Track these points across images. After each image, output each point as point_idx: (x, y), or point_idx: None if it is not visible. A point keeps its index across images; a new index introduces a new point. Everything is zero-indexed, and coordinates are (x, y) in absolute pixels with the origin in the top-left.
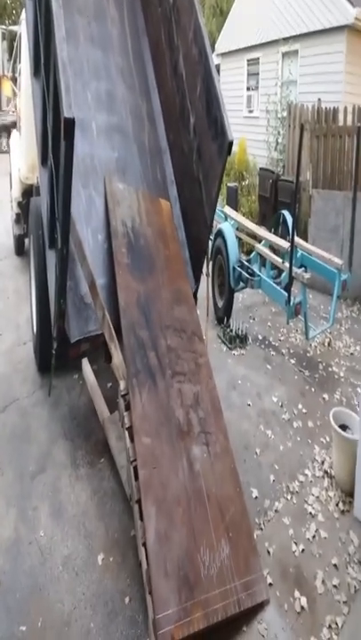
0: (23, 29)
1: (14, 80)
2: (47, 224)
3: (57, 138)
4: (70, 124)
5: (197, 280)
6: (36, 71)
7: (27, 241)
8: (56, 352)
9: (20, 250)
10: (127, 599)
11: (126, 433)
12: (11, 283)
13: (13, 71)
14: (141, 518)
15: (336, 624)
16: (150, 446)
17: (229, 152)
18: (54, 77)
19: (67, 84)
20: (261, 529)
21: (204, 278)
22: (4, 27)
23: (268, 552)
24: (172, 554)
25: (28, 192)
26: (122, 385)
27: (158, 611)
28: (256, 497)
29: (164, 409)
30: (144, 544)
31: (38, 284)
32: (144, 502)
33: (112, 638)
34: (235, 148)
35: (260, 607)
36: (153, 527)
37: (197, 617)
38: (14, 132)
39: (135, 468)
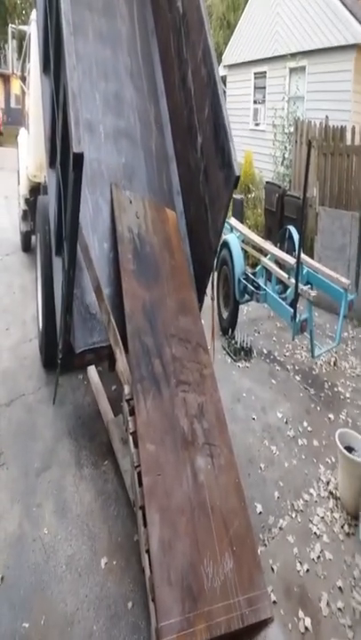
0: (33, 29)
1: (23, 79)
2: (55, 230)
3: (65, 142)
4: (79, 159)
5: (201, 300)
6: (45, 68)
7: (33, 238)
8: (61, 362)
9: (27, 246)
10: (130, 604)
11: (130, 438)
12: (17, 279)
13: (22, 70)
14: (145, 525)
15: None
16: (155, 453)
17: (236, 186)
18: (64, 77)
19: (76, 117)
20: (265, 545)
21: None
22: (13, 26)
23: (273, 569)
24: (175, 563)
25: (36, 190)
26: (126, 389)
27: (161, 619)
28: (260, 512)
29: (168, 417)
30: (147, 551)
31: (44, 281)
32: (148, 509)
33: None
34: (241, 160)
35: (263, 624)
36: (157, 535)
37: (200, 629)
38: (22, 130)
39: (139, 474)
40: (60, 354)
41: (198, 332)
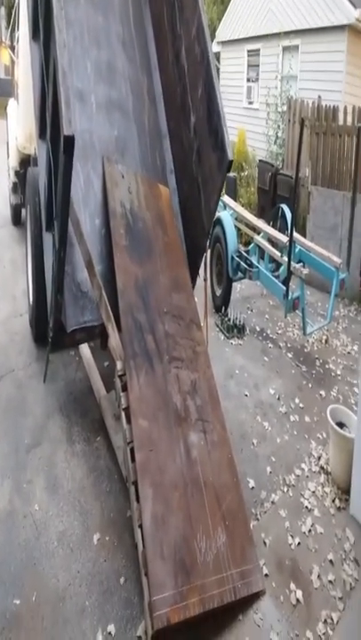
0: None
1: (12, 48)
2: (45, 204)
3: (55, 114)
4: (70, 141)
5: (193, 280)
6: (34, 36)
7: (23, 211)
8: (52, 340)
9: (17, 219)
10: (122, 579)
11: (123, 414)
12: (7, 252)
13: (12, 39)
14: (137, 500)
15: (332, 619)
16: (147, 429)
17: (229, 169)
18: (54, 50)
19: (67, 97)
20: (258, 519)
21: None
22: None
23: (265, 543)
24: (168, 537)
25: (26, 162)
26: (119, 365)
27: (154, 593)
28: (253, 487)
29: (161, 393)
30: (140, 526)
31: (34, 255)
32: (141, 484)
33: (107, 618)
34: (234, 139)
35: (255, 597)
36: (150, 509)
37: (193, 602)
38: (12, 101)
39: (132, 450)
40: (50, 332)
41: (191, 309)
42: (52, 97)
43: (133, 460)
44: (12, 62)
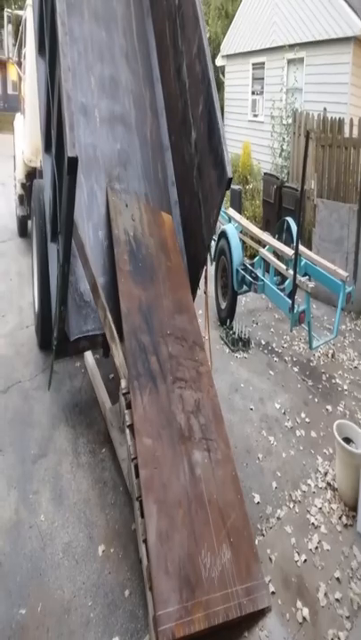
0: (29, 14)
1: (20, 64)
2: (50, 216)
3: (60, 127)
4: (74, 162)
5: (193, 291)
6: (40, 52)
7: (30, 222)
8: (56, 348)
9: (23, 231)
10: (127, 592)
11: (127, 430)
12: (14, 265)
13: (19, 56)
14: (142, 516)
15: (339, 638)
16: (151, 447)
17: (228, 187)
18: (59, 70)
19: (71, 121)
20: (263, 535)
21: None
22: (9, 10)
23: (270, 559)
24: (173, 553)
25: (32, 174)
26: (123, 384)
27: (159, 608)
28: (258, 502)
29: (165, 412)
30: (145, 541)
31: (40, 264)
32: (145, 501)
33: (112, 630)
34: (239, 151)
35: (261, 614)
36: (154, 526)
37: (198, 617)
38: (18, 115)
39: (136, 467)
40: (54, 341)
41: (194, 330)
42: (57, 116)
43: (138, 476)
44: (20, 78)
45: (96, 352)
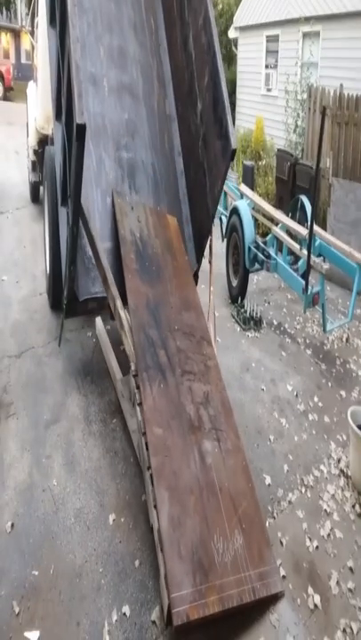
0: None
1: (32, 33)
2: (60, 181)
3: (69, 96)
4: (82, 129)
5: (198, 260)
6: (51, 22)
7: (42, 188)
8: (66, 307)
9: (36, 197)
10: (137, 562)
11: (137, 408)
12: (28, 232)
13: (32, 25)
14: (155, 501)
15: (351, 629)
16: (162, 436)
17: (232, 158)
18: (68, 40)
19: (79, 89)
20: (274, 517)
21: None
22: None
23: (281, 542)
24: (185, 538)
25: (44, 141)
26: (133, 366)
27: (173, 590)
28: (269, 484)
29: (174, 403)
30: (158, 530)
31: (51, 228)
32: (157, 488)
33: (122, 598)
34: (251, 126)
35: (274, 599)
36: (166, 512)
37: (212, 600)
38: (31, 83)
39: (146, 444)
40: (65, 300)
41: (202, 326)
42: (67, 85)
43: (147, 448)
44: (32, 47)
45: (107, 323)
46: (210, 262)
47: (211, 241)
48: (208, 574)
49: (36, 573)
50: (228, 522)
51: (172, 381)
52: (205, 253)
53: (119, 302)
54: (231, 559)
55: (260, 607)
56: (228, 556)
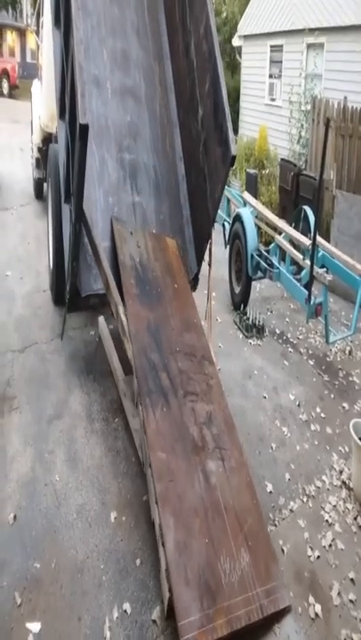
0: None
1: (37, 32)
2: (63, 179)
3: (73, 96)
4: (85, 129)
5: (198, 264)
6: (56, 22)
7: (45, 185)
8: (68, 302)
9: (40, 193)
10: (138, 561)
11: (140, 407)
12: (31, 229)
13: (37, 24)
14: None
15: None
16: (166, 461)
17: (232, 164)
18: (72, 42)
19: (82, 90)
20: (275, 525)
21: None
22: None
23: (283, 550)
24: (192, 562)
25: (48, 139)
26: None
27: (181, 618)
28: (271, 492)
29: (177, 426)
30: (165, 555)
31: (55, 224)
32: (162, 514)
33: (123, 596)
34: (255, 135)
35: (280, 614)
36: (172, 537)
37: (220, 623)
38: (36, 81)
39: (150, 468)
40: (67, 295)
41: (203, 346)
42: (71, 85)
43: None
44: (37, 46)
45: (110, 322)
46: (209, 265)
47: (211, 245)
48: (215, 597)
49: (38, 566)
50: (233, 541)
51: (175, 403)
52: (206, 257)
53: (121, 308)
54: (238, 579)
55: (265, 619)
56: (235, 575)
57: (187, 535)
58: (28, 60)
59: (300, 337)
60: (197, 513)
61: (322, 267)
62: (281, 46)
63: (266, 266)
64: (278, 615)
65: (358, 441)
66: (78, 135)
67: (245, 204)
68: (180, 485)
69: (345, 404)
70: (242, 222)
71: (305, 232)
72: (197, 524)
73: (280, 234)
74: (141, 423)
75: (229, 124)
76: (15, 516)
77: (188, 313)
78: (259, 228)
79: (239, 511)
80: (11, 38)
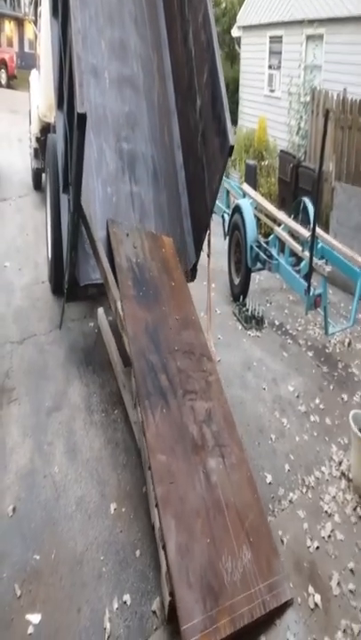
0: None
1: (35, 22)
2: (62, 169)
3: (71, 86)
4: (83, 118)
5: (197, 254)
6: (54, 12)
7: (44, 175)
8: (67, 291)
9: (38, 184)
10: (138, 552)
11: (139, 409)
12: (30, 220)
13: (35, 14)
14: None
15: (352, 630)
16: (166, 463)
17: (230, 154)
18: (70, 33)
19: (80, 79)
20: (275, 516)
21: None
22: None
23: (282, 541)
24: (194, 564)
25: (46, 129)
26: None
27: (183, 622)
28: (270, 483)
29: (177, 426)
30: (166, 558)
31: (53, 214)
32: (163, 517)
33: (123, 587)
34: (254, 126)
35: (283, 608)
36: (173, 540)
37: (224, 623)
38: (34, 71)
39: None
40: (66, 284)
41: (201, 343)
42: (69, 75)
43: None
44: (35, 36)
45: (109, 314)
46: (208, 256)
47: (209, 236)
48: (218, 597)
49: (38, 558)
50: (235, 539)
51: (174, 403)
52: (205, 249)
53: (120, 304)
54: (240, 576)
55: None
56: (237, 573)
57: (188, 537)
58: (26, 49)
59: (300, 328)
60: (199, 513)
61: (321, 258)
62: (280, 37)
63: (265, 257)
64: (280, 609)
65: (358, 432)
66: (76, 125)
67: (245, 195)
68: (182, 487)
69: (344, 396)
70: (241, 214)
71: (304, 223)
72: (199, 524)
73: (279, 225)
74: (140, 426)
75: (228, 115)
76: (14, 508)
77: (185, 310)
78: (258, 220)
79: (240, 507)
80: (9, 28)
